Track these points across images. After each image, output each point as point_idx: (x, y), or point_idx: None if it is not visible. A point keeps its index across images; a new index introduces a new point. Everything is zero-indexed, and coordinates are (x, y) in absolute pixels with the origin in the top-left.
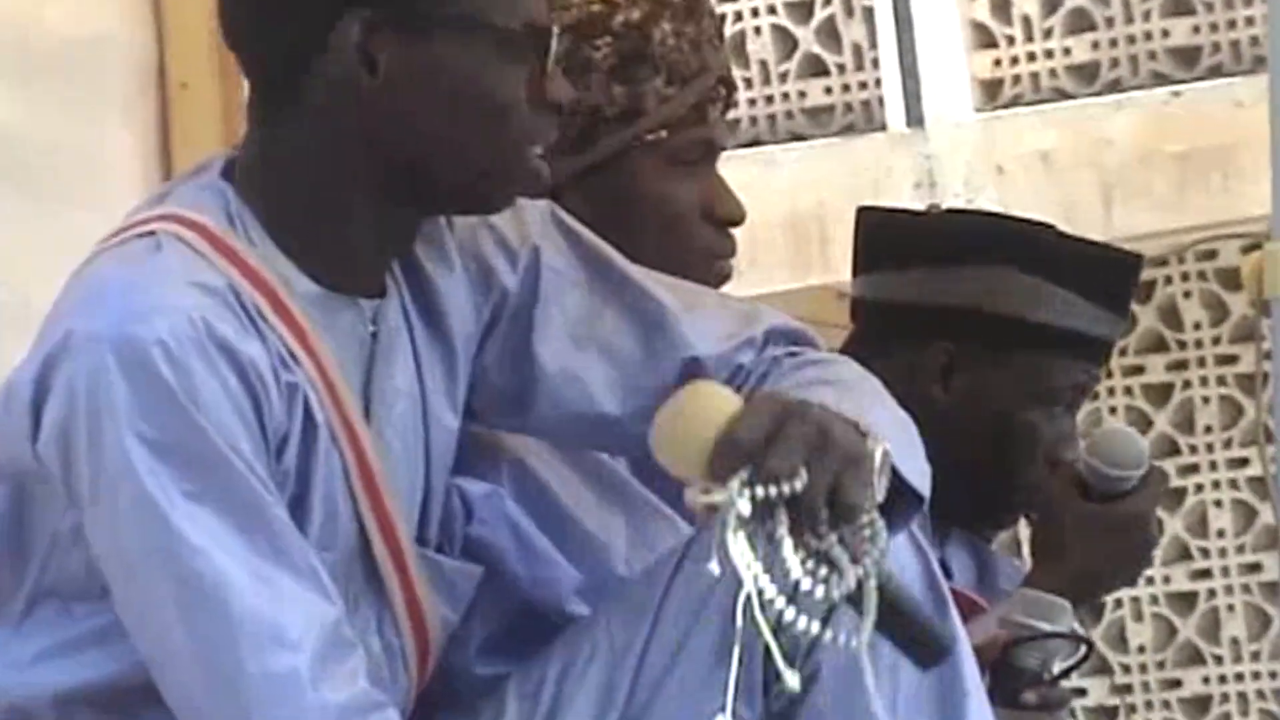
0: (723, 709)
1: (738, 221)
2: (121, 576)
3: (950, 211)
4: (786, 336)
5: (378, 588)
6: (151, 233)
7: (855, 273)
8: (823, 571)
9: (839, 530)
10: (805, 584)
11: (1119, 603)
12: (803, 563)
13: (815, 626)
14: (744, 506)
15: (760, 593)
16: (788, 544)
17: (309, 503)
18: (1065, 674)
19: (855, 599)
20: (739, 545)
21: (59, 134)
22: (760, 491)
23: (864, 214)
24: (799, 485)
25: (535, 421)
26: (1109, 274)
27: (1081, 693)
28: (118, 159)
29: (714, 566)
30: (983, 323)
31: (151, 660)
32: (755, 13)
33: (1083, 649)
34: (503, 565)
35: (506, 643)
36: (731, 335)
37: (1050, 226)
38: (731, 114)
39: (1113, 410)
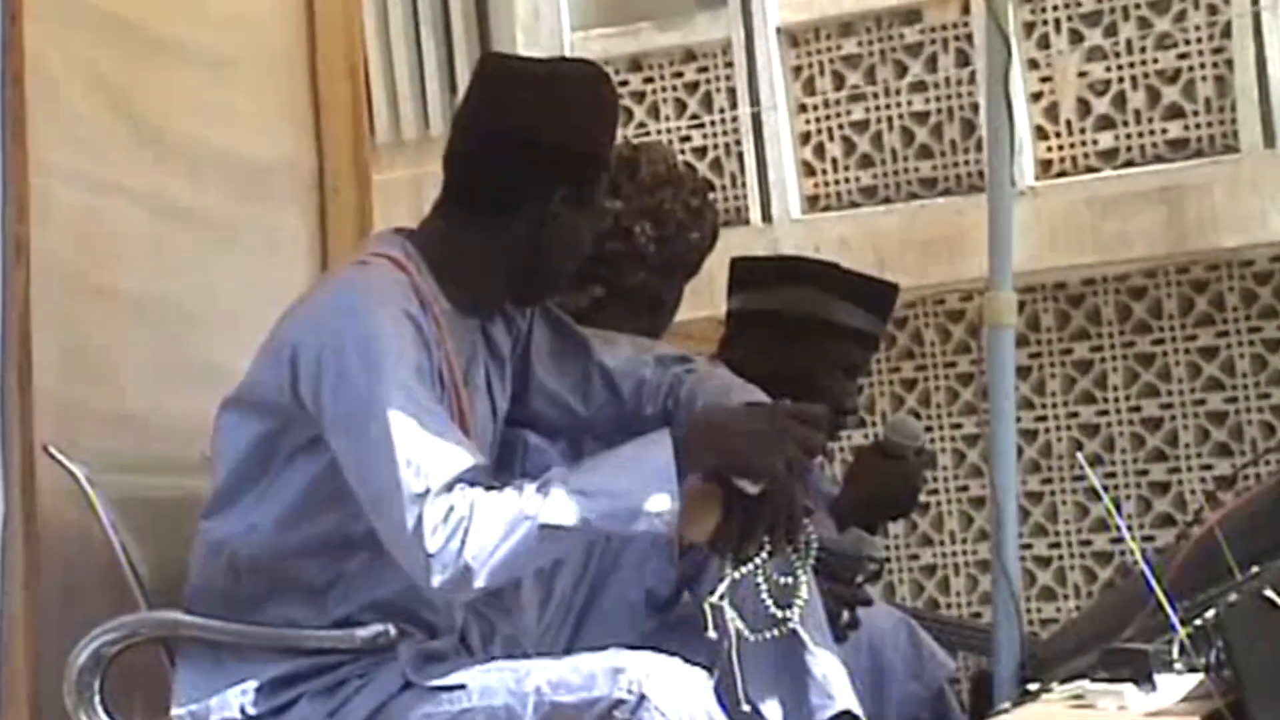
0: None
1: None
2: (356, 456)
3: (784, 257)
4: (673, 358)
5: None
6: (365, 262)
7: (731, 294)
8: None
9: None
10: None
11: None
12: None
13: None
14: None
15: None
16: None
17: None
18: (866, 582)
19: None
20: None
21: (255, 222)
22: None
23: (735, 260)
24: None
25: (533, 415)
26: (876, 293)
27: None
28: (293, 238)
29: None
30: (801, 320)
31: (364, 496)
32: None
33: (875, 567)
34: None
35: None
36: (630, 359)
37: (837, 265)
38: None
39: (882, 394)
